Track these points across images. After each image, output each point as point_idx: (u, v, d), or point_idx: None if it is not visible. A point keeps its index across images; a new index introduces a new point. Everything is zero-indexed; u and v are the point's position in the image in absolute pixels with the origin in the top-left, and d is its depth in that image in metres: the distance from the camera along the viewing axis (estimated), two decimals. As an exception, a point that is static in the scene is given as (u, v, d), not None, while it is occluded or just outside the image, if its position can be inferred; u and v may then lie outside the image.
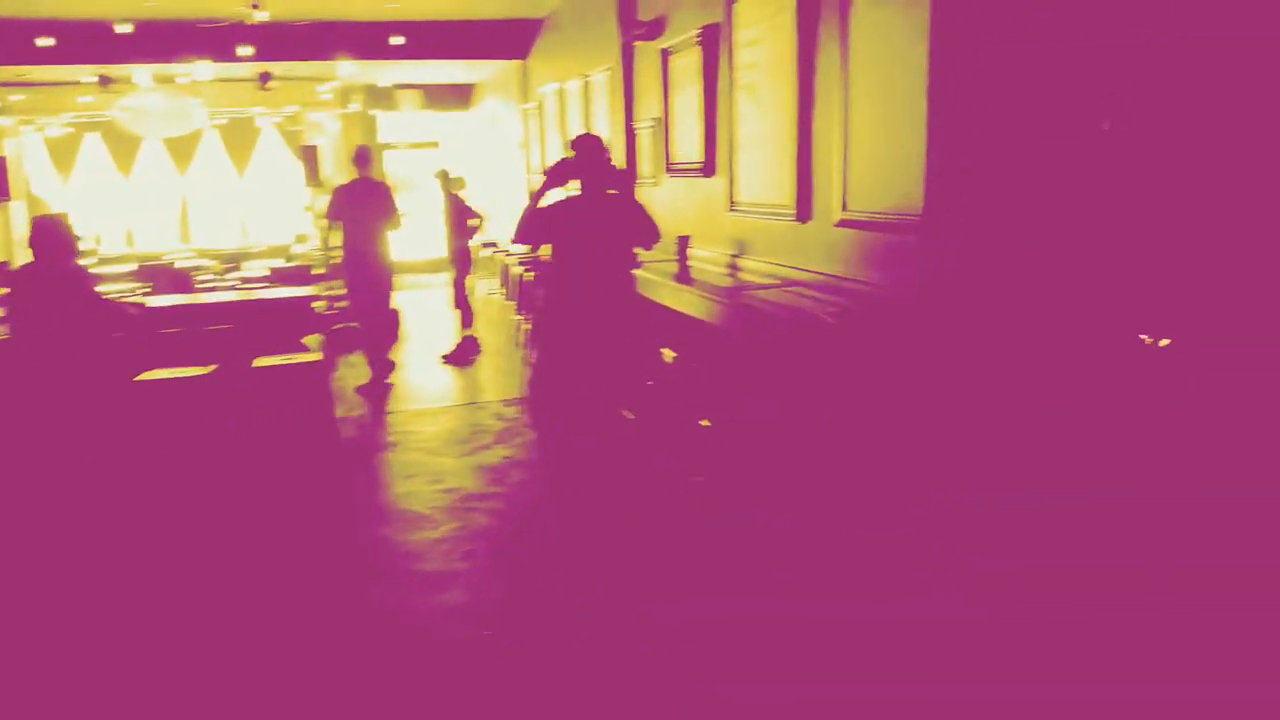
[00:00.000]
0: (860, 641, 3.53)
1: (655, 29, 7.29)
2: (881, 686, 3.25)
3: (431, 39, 11.88)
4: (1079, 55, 2.95)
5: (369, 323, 8.16)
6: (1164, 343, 2.36)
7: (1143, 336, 2.42)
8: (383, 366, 8.20)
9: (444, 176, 9.38)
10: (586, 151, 4.97)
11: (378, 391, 8.02)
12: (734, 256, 6.00)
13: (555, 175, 4.97)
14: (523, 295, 9.42)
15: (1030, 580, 3.10)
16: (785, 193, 5.21)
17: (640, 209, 5.12)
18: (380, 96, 15.80)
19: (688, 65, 6.65)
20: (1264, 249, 2.34)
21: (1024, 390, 3.13)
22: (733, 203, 6.02)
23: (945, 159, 3.64)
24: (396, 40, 11.59)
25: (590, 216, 4.99)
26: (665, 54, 7.10)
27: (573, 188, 4.99)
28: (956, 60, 3.56)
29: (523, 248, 5.37)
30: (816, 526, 4.25)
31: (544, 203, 5.00)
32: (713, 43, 6.25)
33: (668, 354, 5.57)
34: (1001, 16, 3.35)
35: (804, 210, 5.06)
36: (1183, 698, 2.55)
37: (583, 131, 5.44)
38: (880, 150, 4.23)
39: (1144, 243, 2.66)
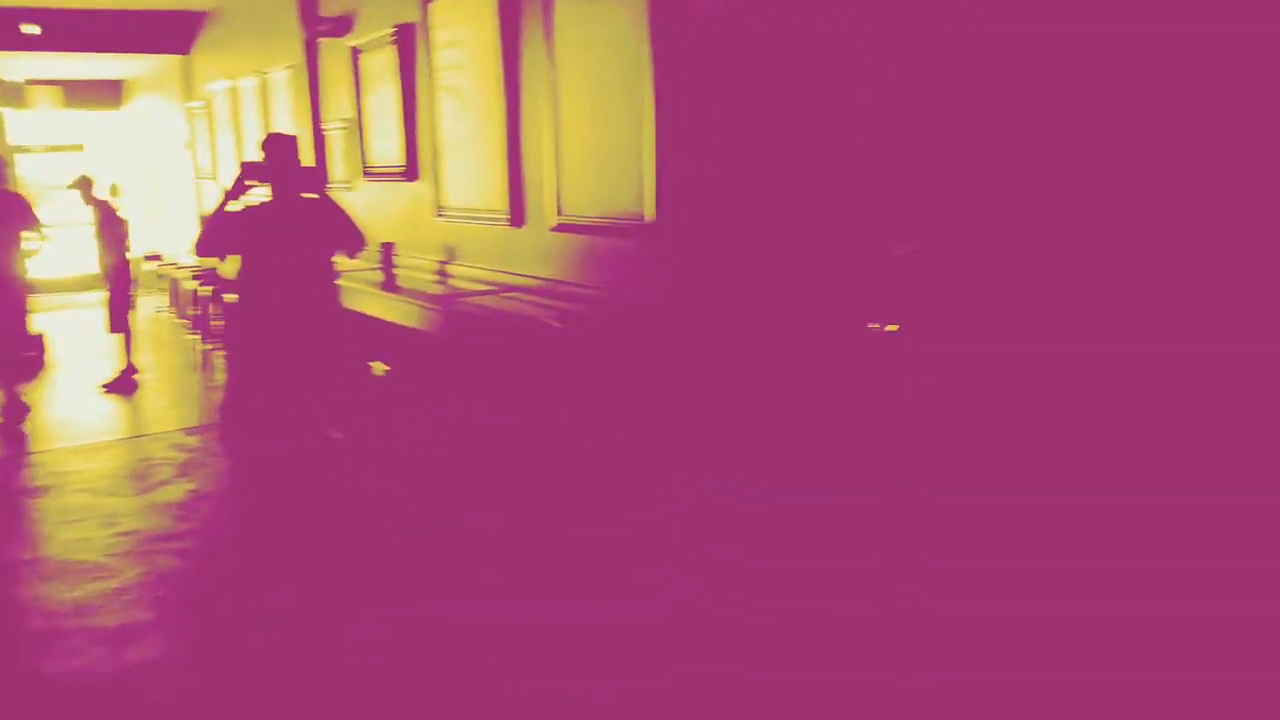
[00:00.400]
0: (572, 640, 3.53)
1: (342, 26, 6.89)
2: (590, 687, 3.25)
3: (74, 29, 10.52)
4: (802, 54, 3.08)
5: (6, 351, 7.08)
6: (891, 328, 2.51)
7: (871, 325, 2.56)
8: (19, 400, 7.14)
9: (86, 183, 8.22)
10: (277, 152, 4.59)
11: (19, 427, 6.97)
12: (443, 263, 5.79)
13: (242, 179, 4.56)
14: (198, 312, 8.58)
15: (760, 577, 3.19)
16: (497, 197, 5.08)
17: (342, 213, 4.79)
18: (9, 92, 13.77)
19: (382, 65, 6.33)
20: (989, 239, 2.54)
21: (755, 382, 3.22)
22: (440, 208, 5.80)
23: (674, 162, 3.68)
24: (30, 29, 10.15)
25: (284, 222, 4.61)
26: (355, 52, 6.73)
27: (262, 193, 4.59)
28: (678, 64, 3.62)
29: (204, 259, 4.87)
30: (532, 528, 4.20)
31: (230, 209, 4.56)
32: (409, 42, 5.99)
33: (378, 367, 5.26)
34: (717, 17, 3.44)
35: (517, 215, 4.97)
36: (879, 689, 2.70)
37: (272, 131, 5.02)
38: (596, 152, 4.22)
39: (874, 237, 2.81)
